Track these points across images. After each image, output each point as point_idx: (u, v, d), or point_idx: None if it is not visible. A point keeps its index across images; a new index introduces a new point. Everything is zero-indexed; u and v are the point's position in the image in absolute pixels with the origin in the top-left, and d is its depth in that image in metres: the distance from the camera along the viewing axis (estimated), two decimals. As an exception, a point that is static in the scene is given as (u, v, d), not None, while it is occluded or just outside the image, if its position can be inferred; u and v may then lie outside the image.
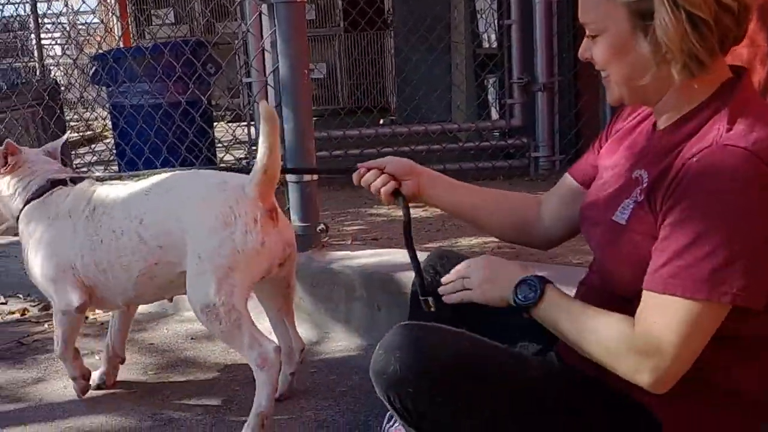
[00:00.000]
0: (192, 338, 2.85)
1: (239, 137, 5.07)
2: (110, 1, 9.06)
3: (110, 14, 8.64)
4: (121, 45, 7.84)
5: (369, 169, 1.83)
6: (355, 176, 1.85)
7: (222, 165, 5.14)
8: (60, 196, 2.31)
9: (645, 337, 1.33)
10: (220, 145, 5.17)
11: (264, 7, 3.12)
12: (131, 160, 4.17)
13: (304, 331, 2.81)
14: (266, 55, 3.19)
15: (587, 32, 1.46)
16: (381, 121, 6.38)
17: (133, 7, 9.26)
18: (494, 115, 4.97)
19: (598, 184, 1.62)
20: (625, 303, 1.41)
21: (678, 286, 1.30)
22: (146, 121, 4.06)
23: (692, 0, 1.31)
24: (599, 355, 1.40)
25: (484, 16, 5.20)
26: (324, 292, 2.82)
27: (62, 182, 2.33)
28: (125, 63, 4.32)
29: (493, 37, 5.06)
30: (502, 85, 4.60)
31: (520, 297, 1.50)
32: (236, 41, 4.91)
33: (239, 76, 5.03)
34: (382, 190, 1.81)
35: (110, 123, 5.02)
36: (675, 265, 1.31)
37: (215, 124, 5.28)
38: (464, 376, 1.46)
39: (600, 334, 1.40)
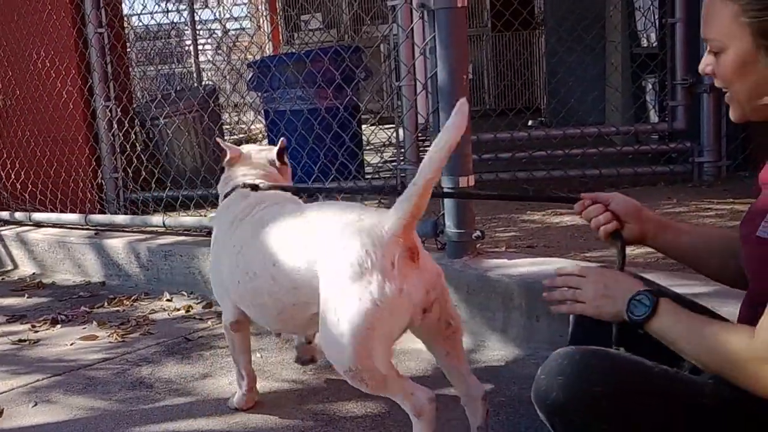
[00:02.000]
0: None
1: (385, 140, 5.11)
2: (261, 9, 9.41)
3: (261, 20, 8.97)
4: (270, 51, 8.14)
5: (594, 202, 1.79)
6: (577, 206, 1.81)
7: (369, 168, 5.22)
8: (236, 201, 2.33)
9: (758, 345, 1.31)
10: (368, 148, 5.25)
11: (423, 13, 3.11)
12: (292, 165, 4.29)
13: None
14: (424, 60, 3.19)
15: (708, 47, 1.48)
16: (530, 123, 6.26)
17: (283, 13, 9.57)
18: (653, 117, 4.77)
19: (757, 201, 1.55)
20: None
21: None
22: (303, 126, 4.16)
23: None
24: (718, 366, 1.38)
25: (644, 14, 4.99)
26: (480, 300, 2.78)
27: (254, 187, 2.31)
28: (285, 69, 4.44)
29: (653, 36, 4.86)
30: (662, 87, 4.40)
31: (633, 312, 1.49)
32: (385, 45, 4.94)
33: (389, 80, 5.08)
34: (602, 228, 1.77)
35: (265, 127, 5.20)
36: None
37: (363, 126, 5.37)
38: (630, 403, 1.42)
39: (719, 344, 1.38)
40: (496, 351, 2.68)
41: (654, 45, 4.78)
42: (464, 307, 2.81)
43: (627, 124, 4.75)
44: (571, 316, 1.89)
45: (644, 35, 5.04)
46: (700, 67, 1.52)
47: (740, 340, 1.35)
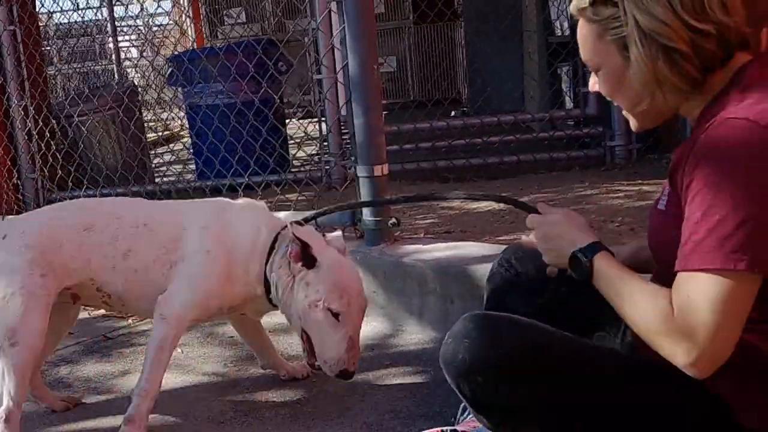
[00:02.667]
0: (271, 332, 2.89)
1: (311, 134, 5.13)
2: (183, 3, 9.29)
3: (184, 16, 8.86)
4: (195, 46, 8.06)
5: None
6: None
7: (295, 161, 5.23)
8: None
9: (679, 319, 1.33)
10: (292, 142, 5.26)
11: (333, 5, 3.15)
12: (208, 159, 4.28)
13: (378, 324, 2.85)
14: (336, 51, 3.22)
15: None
16: (452, 113, 6.36)
17: (206, 8, 9.47)
18: (568, 104, 4.90)
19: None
20: None
21: (696, 261, 1.31)
22: (221, 121, 4.16)
23: (661, 31, 1.35)
24: (642, 333, 1.40)
25: (555, 3, 5.12)
26: (397, 285, 2.84)
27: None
28: (200, 63, 4.43)
29: (566, 24, 4.99)
30: (576, 74, 4.53)
31: (574, 271, 1.52)
32: (307, 39, 4.96)
33: (310, 73, 5.10)
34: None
35: (187, 123, 5.17)
36: (692, 241, 1.32)
37: (287, 121, 5.37)
38: (533, 366, 1.47)
39: (641, 311, 1.40)
40: (414, 335, 2.74)
41: (567, 33, 4.91)
42: (382, 293, 2.86)
43: (542, 111, 4.87)
44: (484, 295, 1.96)
45: (557, 24, 5.17)
46: (590, 86, 1.58)
47: (660, 311, 1.36)
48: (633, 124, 1.55)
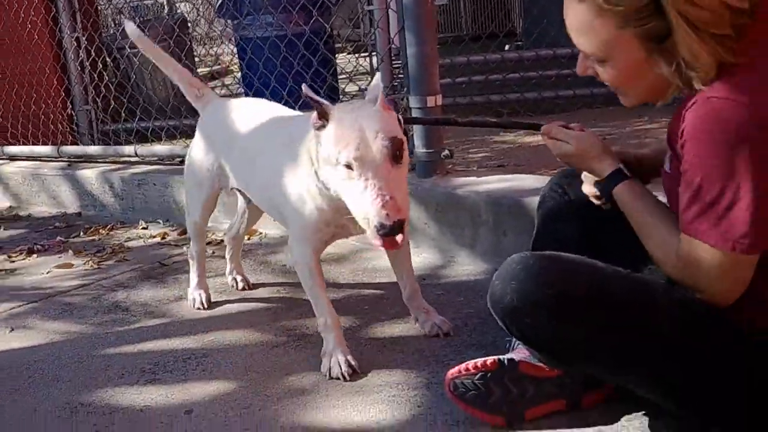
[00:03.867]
0: (322, 261, 2.90)
1: (363, 66, 5.07)
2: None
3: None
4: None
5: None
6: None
7: (345, 96, 5.19)
8: None
9: (687, 272, 1.42)
10: (343, 75, 5.21)
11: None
12: (259, 90, 4.25)
13: (430, 255, 2.84)
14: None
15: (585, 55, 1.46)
16: (507, 47, 6.20)
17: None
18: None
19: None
20: None
21: (695, 230, 1.37)
22: (271, 53, 4.12)
23: (708, 20, 1.30)
24: (659, 265, 1.50)
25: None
26: (449, 217, 2.81)
27: None
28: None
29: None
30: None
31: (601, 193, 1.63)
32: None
33: (360, 3, 5.01)
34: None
35: (237, 56, 5.14)
36: (691, 212, 1.37)
37: (337, 54, 5.31)
38: (581, 306, 1.47)
39: (654, 248, 1.49)
40: (465, 266, 2.73)
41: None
42: (433, 225, 2.85)
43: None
44: (535, 220, 1.94)
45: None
46: (579, 70, 1.50)
47: (671, 264, 1.45)
48: (633, 104, 1.50)
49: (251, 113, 2.37)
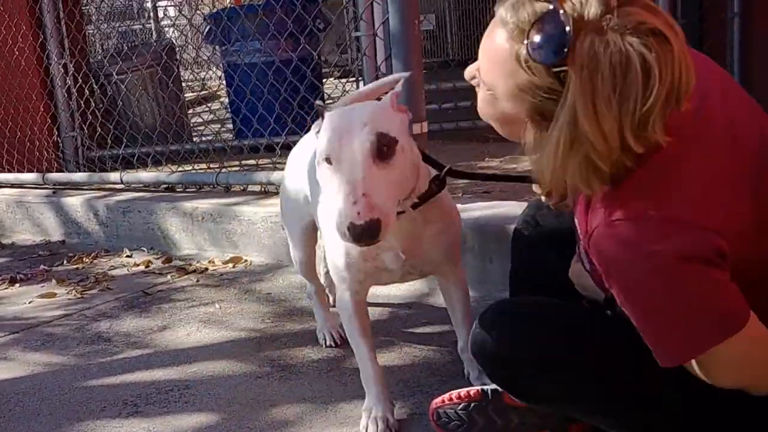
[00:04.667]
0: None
1: (349, 92, 5.09)
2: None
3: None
4: (233, 3, 8.01)
5: None
6: None
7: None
8: None
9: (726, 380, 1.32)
10: (330, 101, 5.22)
11: (372, -41, 3.08)
12: (245, 117, 4.26)
13: (416, 283, 2.82)
14: (375, 7, 3.16)
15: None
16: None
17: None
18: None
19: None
20: None
21: (667, 361, 1.29)
22: (259, 79, 4.12)
23: (599, 147, 1.19)
24: None
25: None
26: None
27: None
28: (237, 21, 4.39)
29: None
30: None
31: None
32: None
33: (348, 30, 5.04)
34: None
35: (224, 81, 5.15)
36: (655, 345, 1.29)
37: (325, 80, 5.33)
38: (561, 354, 1.45)
39: None
40: (452, 294, 2.72)
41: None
42: (420, 253, 2.83)
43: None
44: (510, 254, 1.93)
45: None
46: (467, 74, 1.43)
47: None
48: (481, 113, 1.42)
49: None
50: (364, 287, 1.92)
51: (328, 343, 2.40)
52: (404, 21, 2.89)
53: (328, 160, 1.55)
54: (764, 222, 1.27)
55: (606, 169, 1.22)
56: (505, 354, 1.48)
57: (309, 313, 2.67)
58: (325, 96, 4.86)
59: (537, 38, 1.20)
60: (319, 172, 1.59)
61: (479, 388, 1.72)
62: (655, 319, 1.27)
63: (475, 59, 1.40)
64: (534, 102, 1.25)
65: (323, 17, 4.72)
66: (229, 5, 6.43)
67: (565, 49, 1.17)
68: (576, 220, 1.42)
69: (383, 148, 1.54)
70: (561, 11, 1.18)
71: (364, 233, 1.46)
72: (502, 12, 1.27)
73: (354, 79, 5.45)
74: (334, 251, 1.84)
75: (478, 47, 1.39)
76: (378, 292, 2.55)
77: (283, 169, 3.59)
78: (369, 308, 1.99)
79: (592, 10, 1.17)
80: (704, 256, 1.21)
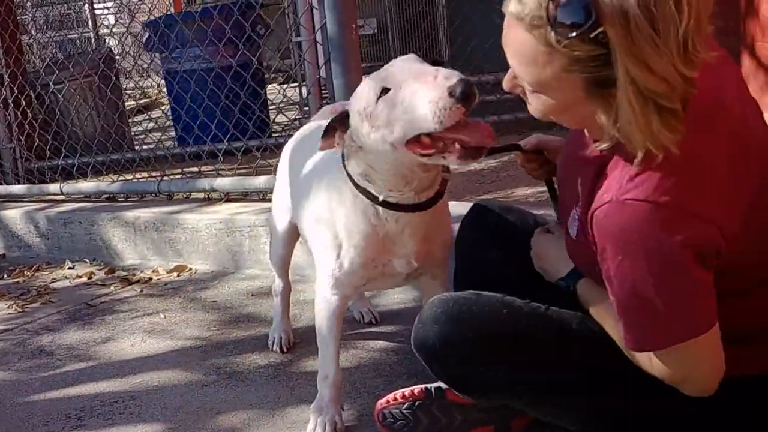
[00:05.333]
0: (253, 295, 2.91)
1: (291, 98, 5.09)
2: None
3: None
4: (173, 10, 7.93)
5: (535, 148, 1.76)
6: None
7: (276, 126, 5.18)
8: None
9: (668, 376, 1.37)
10: (273, 107, 5.21)
11: (308, -36, 3.09)
12: (187, 125, 4.23)
13: (362, 285, 2.84)
14: (313, 12, 3.17)
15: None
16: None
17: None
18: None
19: (566, 155, 1.59)
20: None
21: (638, 346, 1.35)
22: (199, 86, 4.09)
23: (658, 89, 1.19)
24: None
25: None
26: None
27: None
28: (176, 28, 4.35)
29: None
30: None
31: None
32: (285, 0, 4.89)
33: (289, 35, 5.03)
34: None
35: (165, 89, 5.11)
36: (622, 324, 1.35)
37: (267, 86, 5.31)
38: (501, 345, 1.49)
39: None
40: (396, 294, 2.73)
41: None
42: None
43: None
44: (454, 256, 1.96)
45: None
46: (506, 86, 1.39)
47: (644, 363, 1.40)
48: (538, 113, 1.38)
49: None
50: (357, 291, 1.91)
51: (275, 348, 2.40)
52: (341, 25, 2.92)
53: (385, 90, 1.51)
54: (754, 229, 1.32)
55: (679, 107, 1.21)
56: (444, 348, 1.50)
57: (255, 320, 2.67)
58: (268, 102, 4.85)
59: (559, 13, 1.18)
60: (376, 119, 1.54)
61: (423, 386, 1.75)
62: (642, 303, 1.30)
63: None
64: (585, 77, 1.23)
65: (263, 23, 4.71)
66: (167, 12, 6.39)
67: (592, 9, 1.15)
68: (579, 185, 1.42)
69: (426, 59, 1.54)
70: None
71: (466, 89, 1.41)
72: (512, 9, 1.26)
73: (296, 84, 5.47)
74: (340, 256, 1.78)
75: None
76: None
77: (225, 175, 3.62)
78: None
79: None
80: (705, 251, 1.26)
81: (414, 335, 1.56)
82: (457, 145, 1.48)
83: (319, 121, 2.11)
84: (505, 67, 1.37)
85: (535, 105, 1.35)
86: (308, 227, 1.92)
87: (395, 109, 1.50)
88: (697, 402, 1.40)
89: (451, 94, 1.41)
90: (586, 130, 1.43)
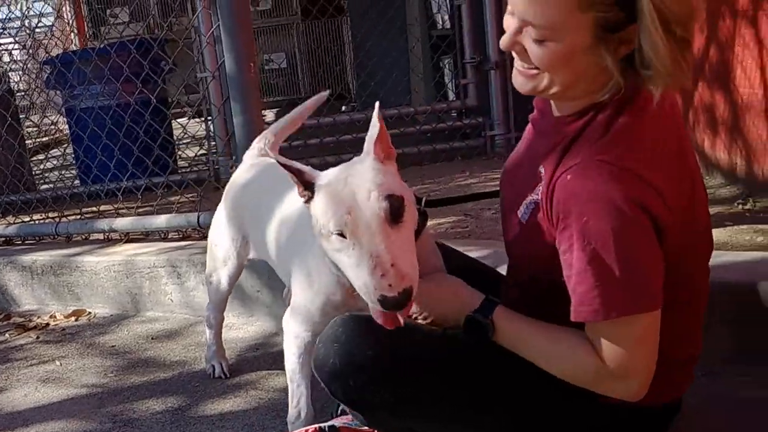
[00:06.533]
0: (152, 338, 2.85)
1: (197, 133, 5.04)
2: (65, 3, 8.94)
3: (65, 16, 8.53)
4: (77, 47, 7.78)
5: None
6: None
7: (184, 162, 5.12)
8: None
9: (611, 365, 1.37)
10: (180, 142, 5.16)
11: (207, 2, 3.10)
12: (90, 163, 4.14)
13: (264, 323, 2.83)
14: (213, 50, 3.18)
15: (518, 24, 1.35)
16: (343, 108, 6.35)
17: (89, 8, 9.17)
18: (451, 96, 4.98)
19: (515, 160, 1.62)
20: (551, 309, 1.42)
21: (606, 311, 1.33)
22: (101, 124, 4.02)
23: (680, 18, 1.27)
24: (575, 382, 1.43)
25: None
26: (282, 284, 2.81)
27: None
28: (76, 66, 4.28)
29: (446, 17, 5.05)
30: (456, 66, 4.60)
31: (471, 336, 1.49)
32: (191, 37, 4.87)
33: (195, 71, 5.00)
34: None
35: (67, 127, 4.99)
36: (579, 293, 1.35)
37: (173, 121, 5.25)
38: (399, 366, 1.50)
39: (569, 370, 1.43)
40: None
41: (447, 26, 4.98)
42: (267, 292, 2.84)
43: (427, 103, 4.91)
44: None
45: (438, 17, 5.23)
46: (505, 44, 1.39)
47: (590, 368, 1.39)
48: (532, 90, 1.41)
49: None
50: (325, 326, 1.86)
51: (217, 374, 2.41)
52: (239, 63, 2.93)
53: (341, 235, 1.46)
54: (689, 220, 1.40)
55: (692, 38, 1.30)
56: (345, 367, 1.49)
57: (153, 364, 2.62)
58: (173, 138, 4.80)
59: None
60: (326, 245, 1.50)
61: (317, 425, 1.75)
62: (601, 267, 1.30)
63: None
64: (598, 16, 1.28)
65: (167, 59, 4.67)
66: (72, 49, 6.26)
67: None
68: (542, 168, 1.43)
69: (396, 211, 1.46)
70: None
71: (398, 304, 1.40)
72: None
73: (202, 119, 5.43)
74: (315, 295, 1.75)
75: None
76: (225, 335, 2.53)
77: (126, 215, 3.56)
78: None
79: None
80: (658, 223, 1.32)
81: (315, 355, 1.55)
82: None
83: (267, 159, 2.15)
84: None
85: (539, 55, 1.35)
86: (281, 263, 1.92)
87: (341, 261, 1.48)
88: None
89: (379, 302, 1.40)
90: (564, 96, 1.42)
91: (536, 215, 1.44)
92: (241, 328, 2.83)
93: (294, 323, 1.83)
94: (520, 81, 1.42)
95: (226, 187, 2.29)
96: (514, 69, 1.43)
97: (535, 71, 1.38)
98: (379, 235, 1.43)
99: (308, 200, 1.54)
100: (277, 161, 1.55)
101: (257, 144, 2.33)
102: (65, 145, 5.77)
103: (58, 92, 5.15)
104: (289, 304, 1.93)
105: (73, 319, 3.17)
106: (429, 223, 1.68)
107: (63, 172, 4.83)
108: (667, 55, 1.27)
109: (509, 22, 1.38)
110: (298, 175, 1.53)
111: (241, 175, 2.27)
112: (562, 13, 1.28)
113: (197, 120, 5.37)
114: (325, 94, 2.30)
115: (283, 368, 2.42)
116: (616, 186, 1.30)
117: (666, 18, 1.25)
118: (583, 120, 1.40)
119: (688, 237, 1.41)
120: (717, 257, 2.01)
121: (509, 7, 1.37)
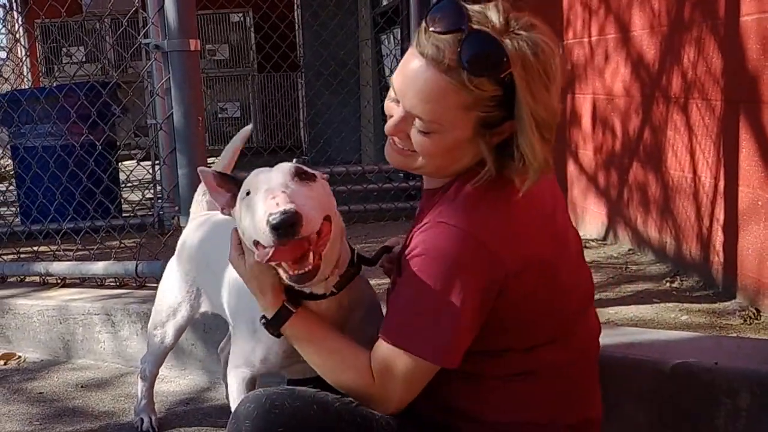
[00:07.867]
0: (82, 387, 2.81)
1: (144, 177, 5.03)
2: (21, 41, 8.89)
3: (20, 51, 8.48)
4: (30, 84, 7.73)
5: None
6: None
7: (126, 205, 5.09)
8: None
9: (377, 387, 1.49)
10: (127, 185, 5.13)
11: (159, 55, 3.12)
12: (33, 203, 4.09)
13: (197, 377, 2.82)
14: (162, 101, 3.20)
15: (402, 114, 1.45)
16: (294, 161, 6.38)
17: (44, 46, 9.13)
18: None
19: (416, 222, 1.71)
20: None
21: (402, 340, 1.45)
22: (45, 164, 4.00)
23: (551, 128, 1.42)
24: (337, 387, 1.55)
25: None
26: (216, 338, 2.81)
27: None
28: (22, 105, 4.25)
29: (398, 79, 5.15)
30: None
31: (266, 328, 1.60)
32: (145, 82, 4.88)
33: (146, 116, 5.01)
34: None
35: (11, 164, 4.94)
36: (399, 320, 1.47)
37: (121, 163, 5.23)
38: None
39: (341, 381, 1.55)
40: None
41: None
42: (201, 346, 2.83)
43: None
44: None
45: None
46: (390, 131, 1.49)
47: (358, 380, 1.52)
48: (414, 166, 1.50)
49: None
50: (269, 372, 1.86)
51: (144, 427, 2.38)
52: (187, 117, 2.97)
53: (248, 192, 1.49)
54: (548, 282, 1.49)
55: (553, 140, 1.44)
56: None
57: (81, 414, 2.58)
58: (123, 178, 4.77)
59: (473, 57, 1.36)
60: (238, 212, 1.53)
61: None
62: (416, 302, 1.44)
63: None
64: (481, 115, 1.40)
65: (117, 102, 4.68)
66: (23, 86, 6.22)
67: (504, 59, 1.36)
68: (413, 231, 1.53)
69: (302, 173, 1.50)
70: (477, 29, 1.38)
71: (282, 222, 1.36)
72: (429, 53, 1.39)
73: (150, 162, 5.42)
74: (258, 343, 1.75)
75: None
76: (156, 388, 2.51)
77: (64, 259, 3.51)
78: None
79: (494, 18, 1.40)
80: (488, 285, 1.42)
81: (228, 429, 1.56)
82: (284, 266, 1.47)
83: (216, 214, 2.10)
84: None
85: (423, 145, 1.46)
86: (231, 312, 1.93)
87: (247, 214, 1.50)
88: None
89: (266, 223, 1.40)
90: (435, 174, 1.54)
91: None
92: (172, 381, 2.81)
93: (234, 365, 1.83)
94: (394, 157, 1.54)
95: (179, 243, 2.30)
96: (388, 144, 1.54)
97: (412, 152, 1.49)
98: (280, 178, 1.46)
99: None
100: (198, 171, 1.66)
101: (200, 197, 2.36)
102: (7, 183, 5.69)
103: (4, 129, 5.11)
104: (223, 360, 1.95)
105: (1, 362, 3.10)
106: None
107: (3, 209, 4.74)
108: (541, 153, 1.41)
109: (394, 111, 1.48)
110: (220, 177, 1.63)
111: (192, 231, 2.29)
112: (450, 112, 1.40)
113: (145, 164, 5.36)
114: (249, 128, 2.37)
115: (213, 424, 2.45)
116: (451, 243, 1.42)
117: (539, 123, 1.40)
118: (443, 189, 1.51)
119: (547, 295, 1.49)
120: (638, 335, 2.11)
121: (393, 94, 1.48)
